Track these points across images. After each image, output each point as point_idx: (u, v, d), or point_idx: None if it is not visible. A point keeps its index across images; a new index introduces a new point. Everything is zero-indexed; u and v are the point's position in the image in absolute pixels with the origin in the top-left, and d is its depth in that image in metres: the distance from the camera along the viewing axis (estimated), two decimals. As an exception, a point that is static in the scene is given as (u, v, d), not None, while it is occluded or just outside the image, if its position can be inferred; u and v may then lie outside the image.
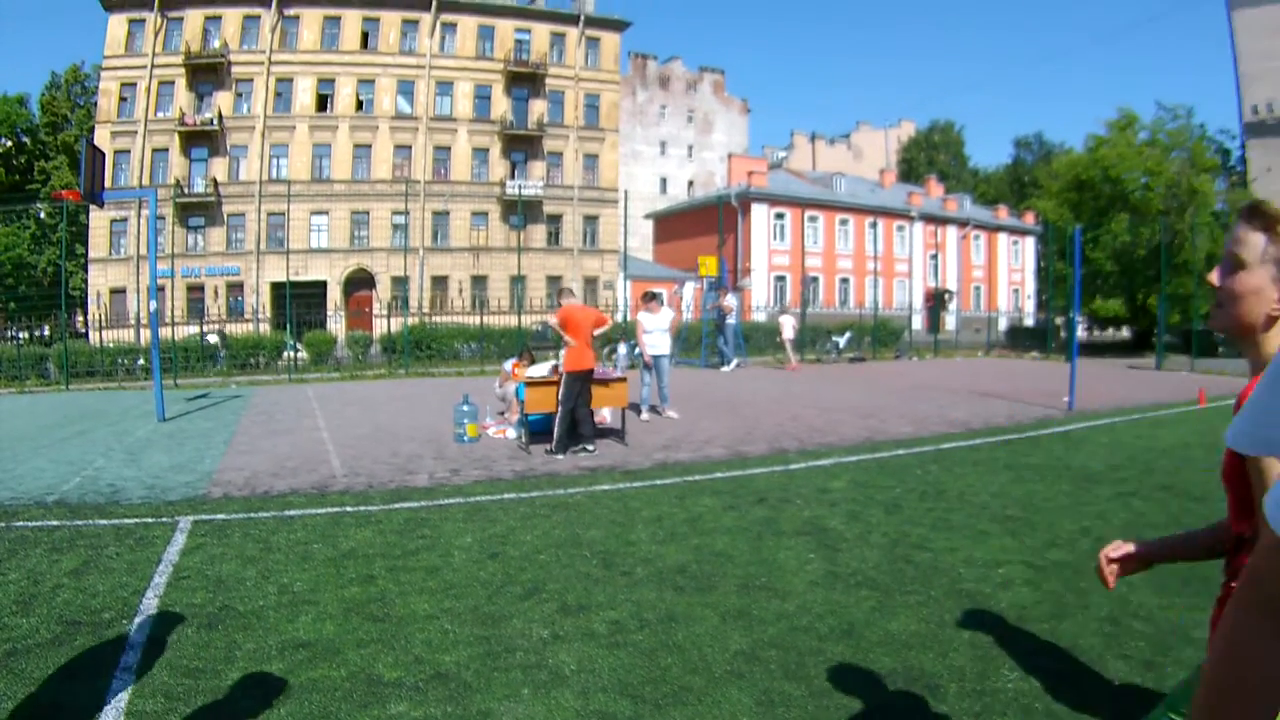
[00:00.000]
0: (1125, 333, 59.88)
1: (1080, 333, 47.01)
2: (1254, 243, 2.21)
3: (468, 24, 65.45)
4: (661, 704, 4.73)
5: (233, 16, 60.57)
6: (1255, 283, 2.22)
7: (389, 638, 5.76)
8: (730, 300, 33.91)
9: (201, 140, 60.26)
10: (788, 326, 35.81)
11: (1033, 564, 7.32)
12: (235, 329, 39.53)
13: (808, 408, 19.57)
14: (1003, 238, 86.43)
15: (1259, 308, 2.23)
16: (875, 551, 7.76)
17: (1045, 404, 20.06)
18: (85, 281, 60.40)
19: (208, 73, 60.29)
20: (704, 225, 61.91)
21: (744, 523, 8.82)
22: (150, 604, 6.38)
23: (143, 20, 59.34)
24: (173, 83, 59.91)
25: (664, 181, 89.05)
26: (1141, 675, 5.06)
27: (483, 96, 65.88)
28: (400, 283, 55.42)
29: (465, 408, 14.68)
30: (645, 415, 17.44)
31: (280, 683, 5.05)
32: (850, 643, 5.62)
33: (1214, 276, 2.31)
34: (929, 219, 79.37)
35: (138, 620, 6.05)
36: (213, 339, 36.16)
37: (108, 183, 23.57)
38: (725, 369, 32.38)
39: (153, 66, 59.28)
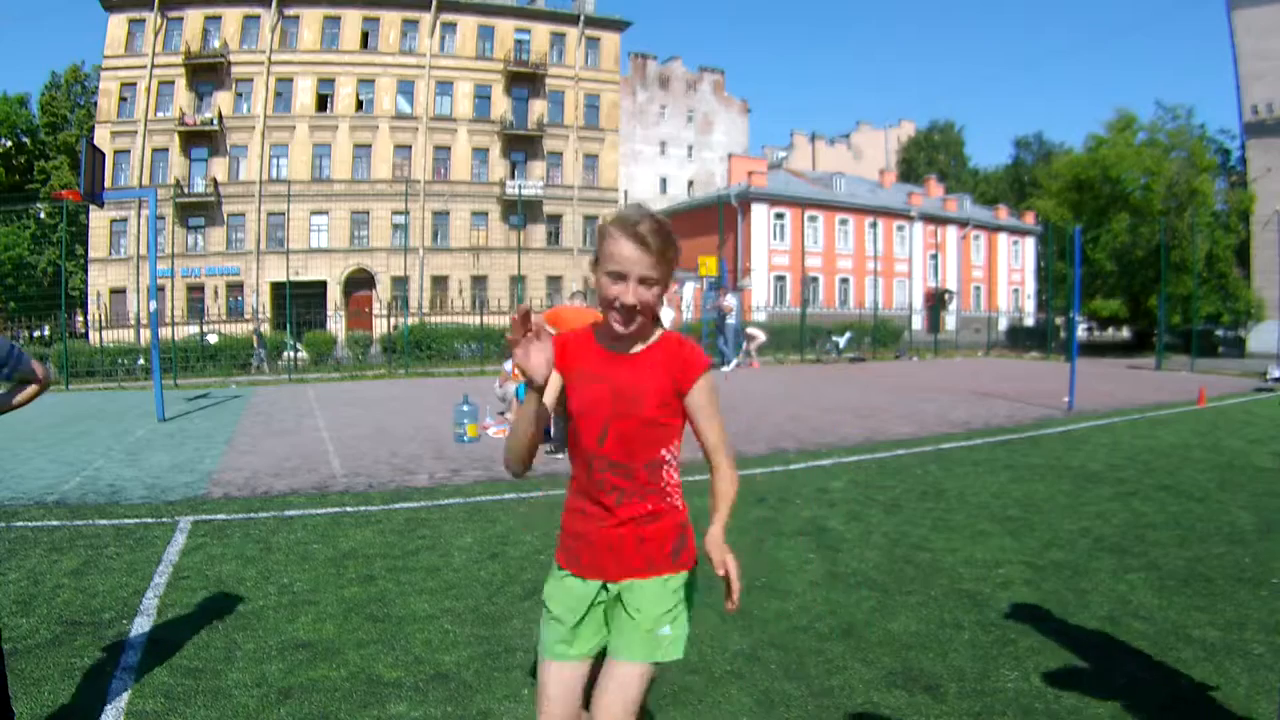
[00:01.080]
0: (1125, 333, 59.92)
1: (1080, 333, 47.02)
2: (656, 263, 2.96)
3: (468, 24, 65.56)
4: (661, 704, 4.73)
5: (232, 16, 60.71)
6: (660, 292, 3.02)
7: (389, 638, 5.77)
8: (730, 300, 33.99)
9: (201, 140, 60.42)
10: (760, 335, 36.35)
11: (1033, 564, 7.33)
12: (235, 329, 39.57)
13: (808, 408, 19.58)
14: (1003, 238, 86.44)
15: (658, 309, 3.06)
16: (875, 551, 7.76)
17: (1045, 404, 20.08)
18: (85, 281, 60.55)
19: (208, 73, 60.47)
20: (704, 225, 61.69)
21: (744, 523, 8.79)
22: (150, 604, 6.39)
23: (143, 20, 59.50)
24: (173, 83, 60.09)
25: (664, 181, 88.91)
26: (1141, 675, 5.07)
27: (483, 96, 66.04)
28: (400, 283, 55.51)
29: (465, 408, 14.68)
30: None
31: (280, 683, 5.05)
32: (850, 643, 5.64)
33: (629, 296, 2.94)
34: (929, 219, 79.37)
35: (138, 620, 6.06)
36: (212, 338, 36.15)
37: (108, 183, 23.59)
38: (725, 369, 32.38)
39: (153, 66, 59.43)
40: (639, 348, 3.13)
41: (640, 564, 3.15)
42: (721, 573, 2.95)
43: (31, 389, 3.87)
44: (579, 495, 3.24)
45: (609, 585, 3.18)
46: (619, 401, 3.08)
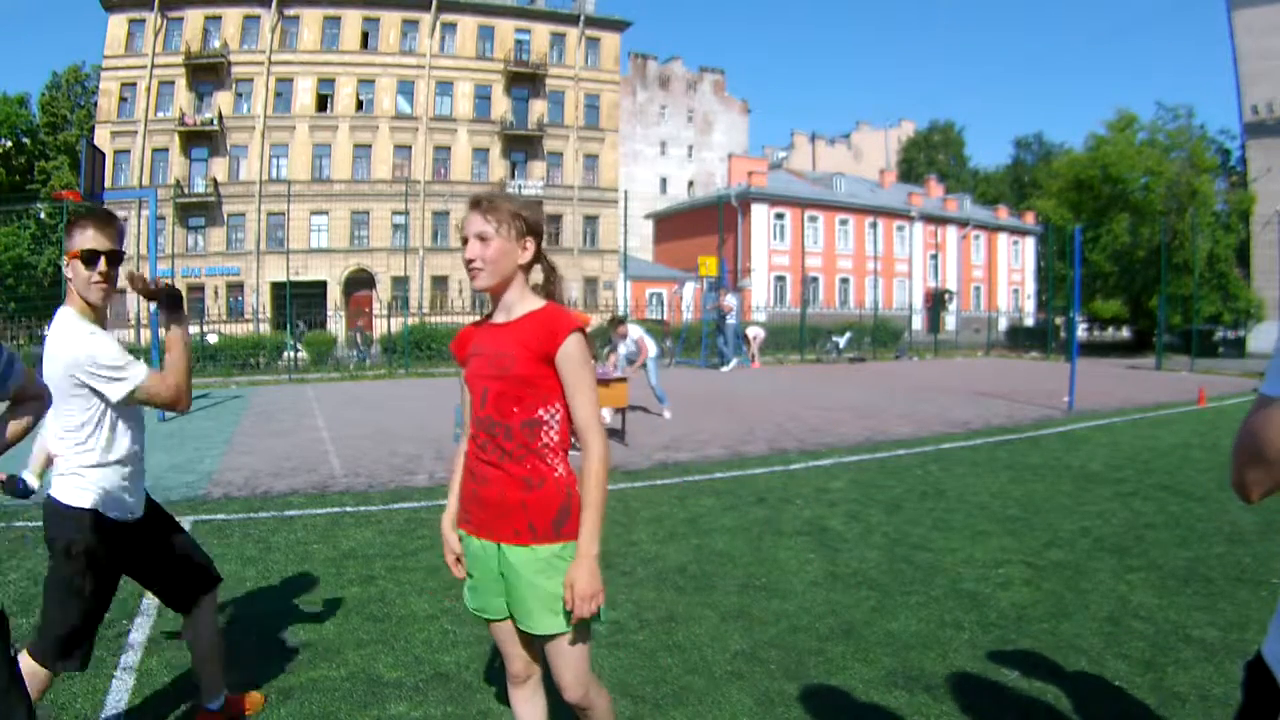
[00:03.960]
0: (1125, 333, 59.92)
1: (1080, 333, 47.05)
2: (484, 219, 3.28)
3: (468, 24, 65.59)
4: (661, 704, 4.74)
5: (233, 16, 60.75)
6: (502, 247, 3.28)
7: (389, 638, 5.78)
8: (730, 300, 34.02)
9: (201, 140, 60.49)
10: (760, 335, 36.37)
11: (1033, 564, 7.33)
12: (235, 329, 39.56)
13: (808, 408, 19.58)
14: (1003, 238, 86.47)
15: (506, 265, 3.31)
16: (875, 551, 7.77)
17: (1045, 404, 20.09)
18: (85, 281, 60.28)
19: (208, 73, 60.52)
20: (704, 225, 61.87)
21: (744, 523, 8.83)
22: (150, 604, 6.39)
23: (143, 20, 59.55)
24: (173, 83, 60.15)
25: (664, 181, 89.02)
26: (1141, 675, 5.07)
27: (483, 96, 66.08)
28: (400, 283, 55.41)
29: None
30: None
31: (280, 683, 5.06)
32: (850, 643, 5.64)
33: (468, 251, 3.29)
34: (929, 219, 79.44)
35: (138, 620, 6.09)
36: (212, 338, 36.08)
37: (108, 183, 23.57)
38: (725, 369, 32.42)
39: (153, 66, 59.48)
40: (516, 315, 3.36)
41: (523, 529, 3.27)
42: (567, 600, 3.20)
43: (27, 420, 3.50)
44: (472, 455, 3.40)
45: (501, 547, 3.32)
46: (493, 365, 3.32)
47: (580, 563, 3.19)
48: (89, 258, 3.80)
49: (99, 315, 3.91)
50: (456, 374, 3.57)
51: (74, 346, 3.75)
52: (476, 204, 3.33)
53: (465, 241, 3.33)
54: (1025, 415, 18.20)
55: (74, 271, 3.83)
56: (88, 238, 3.80)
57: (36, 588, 6.71)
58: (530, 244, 3.37)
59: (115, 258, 3.85)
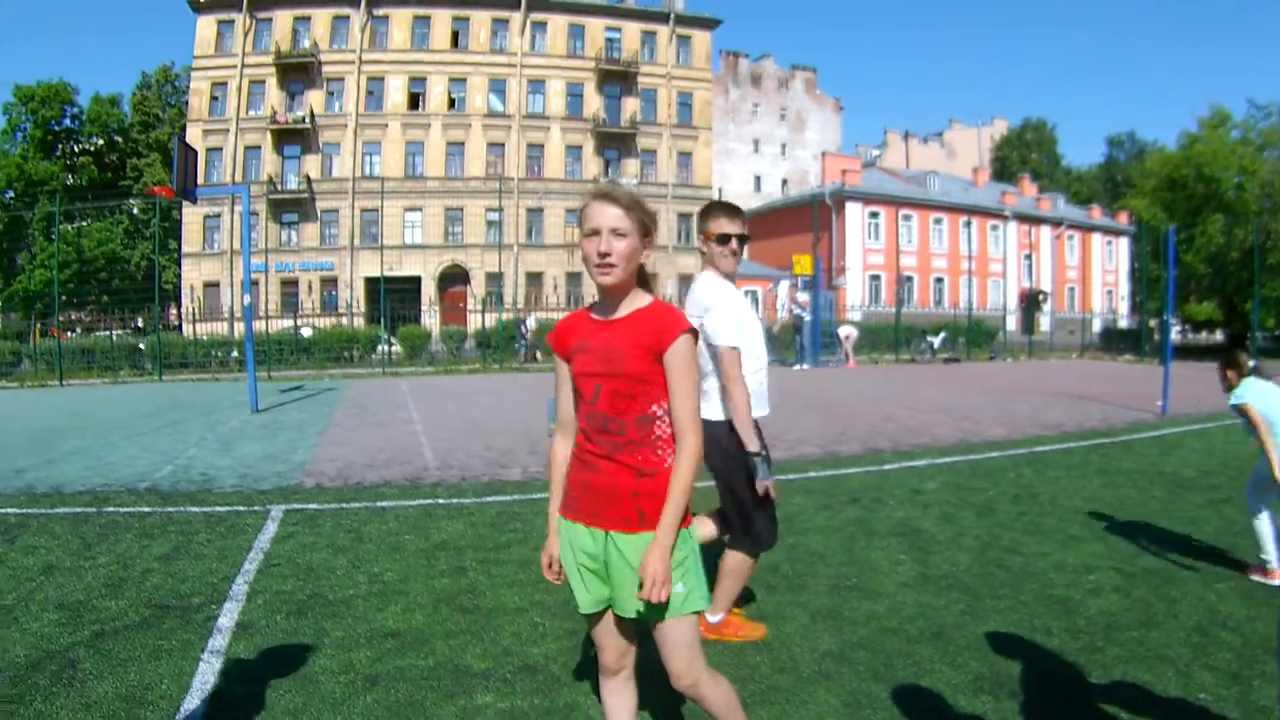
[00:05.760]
0: (1219, 336, 58.97)
1: (1174, 336, 46.34)
2: (624, 215, 3.28)
3: (558, 23, 66.04)
4: (749, 702, 4.69)
5: (322, 17, 61.77)
6: (635, 245, 3.30)
7: (478, 629, 5.81)
8: (802, 296, 33.89)
9: (293, 138, 61.61)
10: (853, 335, 36.28)
11: (1123, 570, 7.20)
12: (328, 323, 40.04)
13: (902, 408, 19.45)
14: (1097, 238, 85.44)
15: (634, 264, 3.34)
16: (966, 554, 7.69)
17: (1139, 407, 19.77)
18: (178, 276, 61.66)
19: (298, 72, 61.70)
20: (798, 223, 61.77)
21: (837, 522, 8.78)
22: (240, 590, 6.51)
23: (231, 21, 60.96)
24: (263, 82, 61.45)
25: (758, 180, 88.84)
26: (1228, 687, 4.96)
27: (574, 94, 66.58)
28: (495, 279, 55.78)
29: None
30: None
31: (367, 670, 5.10)
32: (939, 646, 5.58)
33: (603, 246, 3.26)
34: (1023, 218, 78.50)
35: (226, 605, 6.18)
36: (306, 331, 36.45)
37: (200, 179, 23.93)
38: (802, 367, 32.37)
39: (243, 66, 60.84)
40: (624, 313, 3.38)
41: (633, 517, 3.32)
42: (643, 591, 3.23)
43: None
44: (582, 447, 3.45)
45: (610, 535, 3.36)
46: (606, 363, 3.32)
47: (653, 549, 3.22)
48: (722, 239, 5.46)
49: (728, 277, 5.55)
50: (551, 369, 3.59)
51: (707, 297, 5.41)
52: (613, 198, 3.34)
53: (592, 233, 3.31)
54: (1119, 418, 17.91)
55: (709, 248, 5.52)
56: (720, 224, 5.48)
57: (126, 571, 6.92)
58: (649, 243, 3.39)
59: (742, 238, 5.51)
